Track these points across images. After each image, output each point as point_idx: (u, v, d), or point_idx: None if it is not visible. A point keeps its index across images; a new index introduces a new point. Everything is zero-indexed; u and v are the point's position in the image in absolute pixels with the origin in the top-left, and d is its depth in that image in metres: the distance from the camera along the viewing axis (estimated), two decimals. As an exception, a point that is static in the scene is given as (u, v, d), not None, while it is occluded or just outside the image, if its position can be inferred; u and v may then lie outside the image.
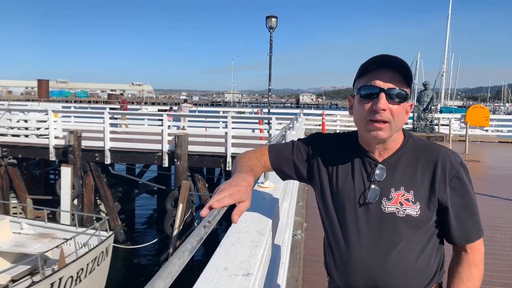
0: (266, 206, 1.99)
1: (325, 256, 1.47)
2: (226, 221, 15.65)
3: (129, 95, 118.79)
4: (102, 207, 13.25)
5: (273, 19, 17.35)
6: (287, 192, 3.26)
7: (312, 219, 5.23)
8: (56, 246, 7.78)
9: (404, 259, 1.24)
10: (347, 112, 21.17)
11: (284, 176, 1.54)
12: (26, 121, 13.93)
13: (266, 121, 13.07)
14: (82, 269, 7.59)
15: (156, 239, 11.05)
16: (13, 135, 13.24)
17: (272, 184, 2.39)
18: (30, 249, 7.92)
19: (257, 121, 14.87)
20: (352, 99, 1.33)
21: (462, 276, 1.29)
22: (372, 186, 1.26)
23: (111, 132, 12.23)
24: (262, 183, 2.36)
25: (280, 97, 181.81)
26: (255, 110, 18.23)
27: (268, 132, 12.00)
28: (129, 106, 22.45)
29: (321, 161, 1.40)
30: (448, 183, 1.23)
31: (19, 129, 13.61)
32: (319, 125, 16.72)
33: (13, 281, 6.96)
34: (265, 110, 18.16)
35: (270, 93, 17.14)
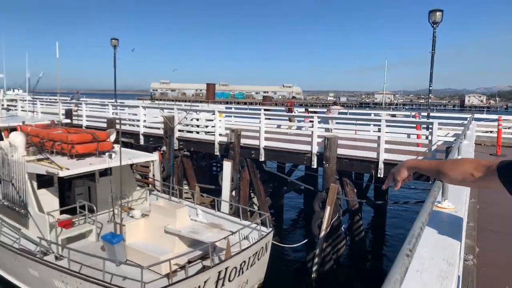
0: (447, 229, 1.80)
1: None
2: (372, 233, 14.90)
3: (280, 97, 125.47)
4: (255, 200, 14.40)
5: (438, 13, 15.63)
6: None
7: (485, 243, 4.48)
8: (224, 238, 8.63)
9: None
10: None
11: None
12: (197, 119, 16.22)
13: (425, 126, 11.90)
14: (244, 261, 8.27)
15: (306, 240, 11.34)
16: (188, 132, 15.61)
17: (451, 204, 2.16)
18: (203, 237, 8.87)
19: (412, 125, 13.71)
20: None
21: None
22: None
23: (266, 132, 13.14)
24: (439, 202, 2.15)
25: (440, 98, 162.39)
26: (413, 113, 16.77)
27: (427, 138, 10.90)
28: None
29: None
30: None
31: (192, 126, 15.94)
32: (491, 131, 14.25)
33: (189, 262, 8.12)
34: (423, 113, 16.54)
35: (430, 95, 15.52)
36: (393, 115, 18.86)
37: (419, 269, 1.25)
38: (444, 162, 1.63)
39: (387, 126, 11.01)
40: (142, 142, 16.69)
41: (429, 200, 1.42)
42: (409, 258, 0.87)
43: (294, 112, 19.18)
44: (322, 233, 10.55)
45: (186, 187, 15.73)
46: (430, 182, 9.45)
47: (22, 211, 9.90)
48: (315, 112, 18.36)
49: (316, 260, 10.75)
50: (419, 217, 1.19)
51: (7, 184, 10.37)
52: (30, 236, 9.39)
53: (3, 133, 12.72)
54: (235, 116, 18.02)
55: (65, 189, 11.24)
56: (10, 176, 10.21)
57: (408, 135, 13.00)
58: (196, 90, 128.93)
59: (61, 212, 9.88)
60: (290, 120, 15.08)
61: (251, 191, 14.24)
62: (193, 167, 16.03)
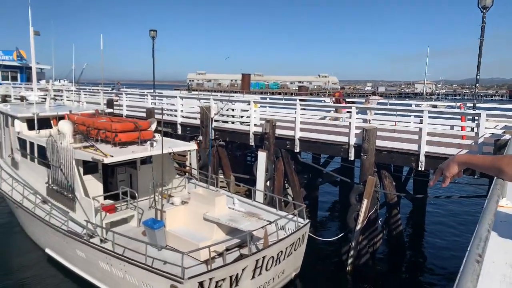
0: (507, 230, 1.71)
1: None
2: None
3: (315, 87, 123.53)
4: (289, 191, 14.39)
5: (489, -3, 14.74)
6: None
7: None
8: (262, 227, 8.75)
9: None
10: None
11: None
12: (233, 110, 16.34)
13: (471, 117, 11.31)
14: (281, 251, 8.35)
15: (342, 234, 11.22)
16: (223, 122, 15.78)
17: (510, 203, 2.05)
18: (241, 225, 9.08)
19: (457, 116, 13.06)
20: None
21: None
22: None
23: (302, 123, 13.01)
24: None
25: (486, 88, 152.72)
26: (458, 104, 15.95)
27: (473, 130, 10.36)
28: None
29: None
30: None
31: (227, 116, 16.09)
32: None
33: (226, 250, 8.29)
34: (469, 104, 15.70)
35: (477, 84, 14.68)
36: (434, 106, 18.04)
37: (482, 273, 1.19)
38: (501, 158, 1.52)
39: (429, 117, 10.56)
40: (179, 131, 17.09)
41: (492, 199, 1.35)
42: (480, 264, 0.84)
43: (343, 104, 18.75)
44: (358, 226, 10.39)
45: (221, 176, 15.98)
46: (476, 176, 9.00)
47: (70, 195, 10.49)
48: (352, 102, 17.94)
49: (351, 253, 10.62)
50: (483, 218, 1.13)
51: (56, 169, 11.00)
52: (77, 219, 9.95)
53: (52, 122, 13.47)
54: (270, 107, 17.99)
55: (108, 175, 11.77)
56: (59, 162, 10.82)
57: (452, 127, 12.42)
58: (231, 80, 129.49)
59: (105, 198, 10.37)
60: (337, 111, 14.76)
61: (285, 182, 14.23)
62: (228, 157, 16.23)
